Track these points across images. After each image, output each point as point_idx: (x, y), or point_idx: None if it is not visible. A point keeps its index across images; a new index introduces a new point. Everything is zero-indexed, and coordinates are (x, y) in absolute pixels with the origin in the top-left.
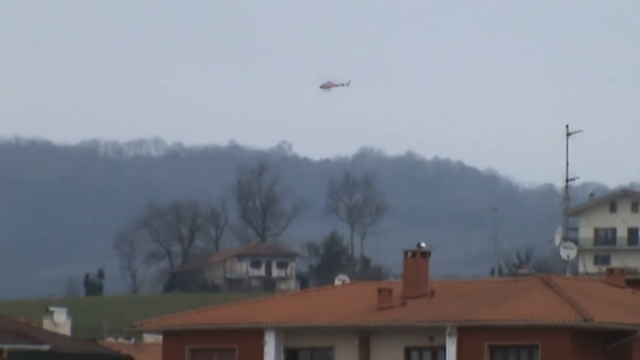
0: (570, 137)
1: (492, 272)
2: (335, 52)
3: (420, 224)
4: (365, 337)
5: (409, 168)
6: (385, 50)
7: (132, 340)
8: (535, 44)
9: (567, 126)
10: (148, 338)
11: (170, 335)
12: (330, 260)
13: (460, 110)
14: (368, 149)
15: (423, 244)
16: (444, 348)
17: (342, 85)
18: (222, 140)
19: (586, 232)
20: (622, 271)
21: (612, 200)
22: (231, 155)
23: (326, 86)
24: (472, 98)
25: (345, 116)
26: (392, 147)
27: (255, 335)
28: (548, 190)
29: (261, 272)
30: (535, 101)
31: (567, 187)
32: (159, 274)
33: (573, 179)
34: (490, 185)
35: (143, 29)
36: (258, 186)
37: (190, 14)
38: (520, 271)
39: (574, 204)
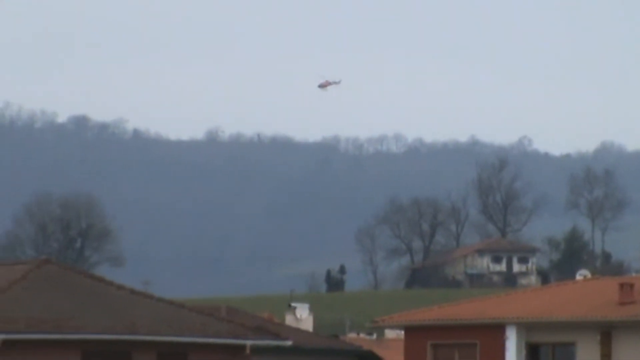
0: None
1: None
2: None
3: None
4: (607, 332)
5: None
6: (623, 44)
7: (374, 336)
8: None
9: None
10: (390, 333)
11: (412, 331)
12: (571, 255)
13: None
14: (609, 144)
15: None
16: None
17: (335, 83)
18: (463, 136)
19: None
20: None
21: None
22: (471, 151)
23: (323, 85)
24: None
25: (585, 111)
26: (633, 142)
27: (496, 331)
28: None
29: (502, 267)
30: None
31: None
32: (400, 269)
33: None
34: None
35: (385, 26)
36: (498, 181)
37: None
38: None
39: None
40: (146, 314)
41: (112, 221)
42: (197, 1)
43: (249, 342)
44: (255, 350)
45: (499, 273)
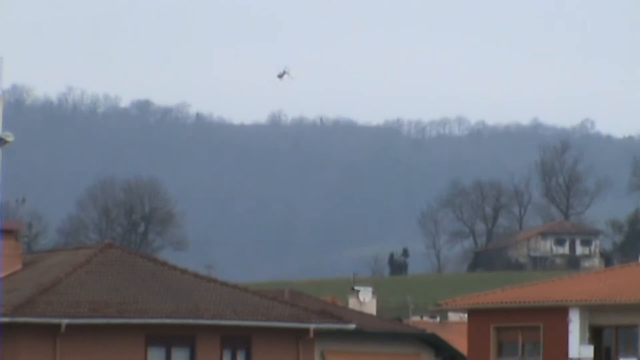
0: None
1: None
2: None
3: None
4: None
5: None
6: None
7: (437, 319)
8: None
9: None
10: (453, 316)
11: (475, 314)
12: (635, 238)
13: None
14: None
15: None
16: None
17: (287, 74)
18: (525, 119)
19: None
20: None
21: None
22: (534, 134)
23: (280, 75)
24: None
25: None
26: None
27: (559, 313)
28: None
29: (565, 250)
30: None
31: None
32: (463, 252)
33: None
34: None
35: (448, 9)
36: (561, 164)
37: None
38: None
39: None
40: (210, 298)
41: (175, 205)
42: None
43: (312, 326)
44: (319, 333)
45: (562, 256)
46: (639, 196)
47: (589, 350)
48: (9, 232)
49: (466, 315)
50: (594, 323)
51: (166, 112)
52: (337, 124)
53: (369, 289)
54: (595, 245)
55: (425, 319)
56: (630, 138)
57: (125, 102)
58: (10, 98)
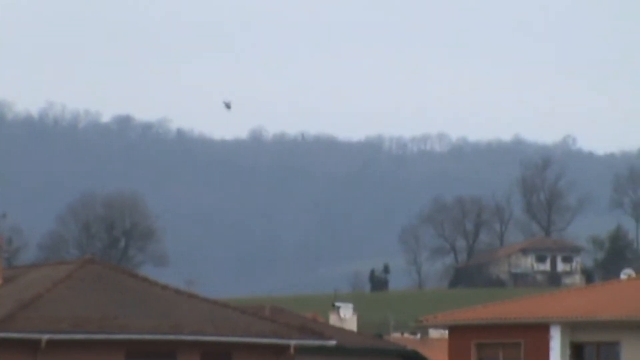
0: None
1: None
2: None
3: None
4: None
5: None
6: None
7: (418, 336)
8: None
9: None
10: (434, 333)
11: (456, 330)
12: (616, 255)
13: None
14: None
15: None
16: None
17: (230, 102)
18: (507, 135)
19: None
20: None
21: None
22: (515, 150)
23: (228, 106)
24: None
25: (629, 110)
26: None
27: (541, 330)
28: None
29: (546, 266)
30: None
31: None
32: (444, 269)
33: None
34: None
35: (430, 26)
36: (542, 180)
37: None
38: None
39: None
40: (190, 314)
41: (156, 221)
42: (242, 2)
43: (293, 342)
44: (299, 350)
45: (543, 272)
46: (620, 213)
47: None
48: None
49: (447, 331)
50: (575, 340)
51: (147, 127)
52: (319, 139)
53: (350, 305)
54: (577, 262)
55: (406, 335)
56: (611, 155)
57: (106, 118)
58: None
